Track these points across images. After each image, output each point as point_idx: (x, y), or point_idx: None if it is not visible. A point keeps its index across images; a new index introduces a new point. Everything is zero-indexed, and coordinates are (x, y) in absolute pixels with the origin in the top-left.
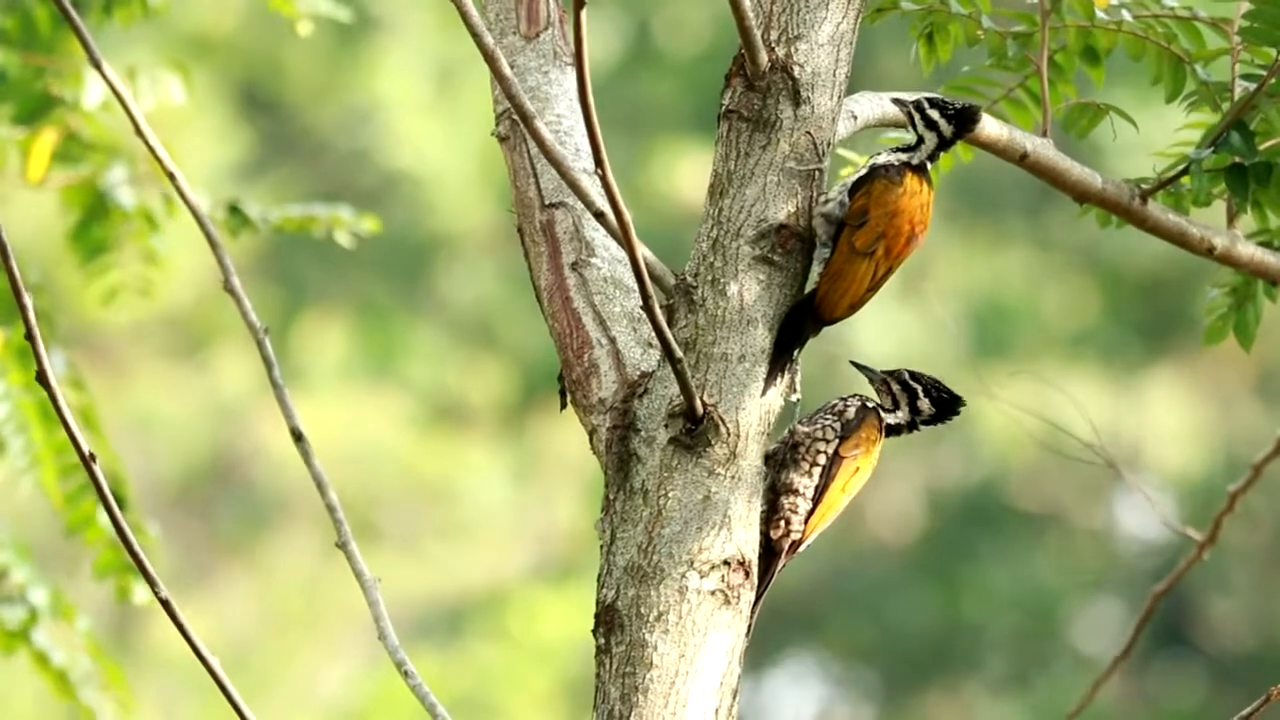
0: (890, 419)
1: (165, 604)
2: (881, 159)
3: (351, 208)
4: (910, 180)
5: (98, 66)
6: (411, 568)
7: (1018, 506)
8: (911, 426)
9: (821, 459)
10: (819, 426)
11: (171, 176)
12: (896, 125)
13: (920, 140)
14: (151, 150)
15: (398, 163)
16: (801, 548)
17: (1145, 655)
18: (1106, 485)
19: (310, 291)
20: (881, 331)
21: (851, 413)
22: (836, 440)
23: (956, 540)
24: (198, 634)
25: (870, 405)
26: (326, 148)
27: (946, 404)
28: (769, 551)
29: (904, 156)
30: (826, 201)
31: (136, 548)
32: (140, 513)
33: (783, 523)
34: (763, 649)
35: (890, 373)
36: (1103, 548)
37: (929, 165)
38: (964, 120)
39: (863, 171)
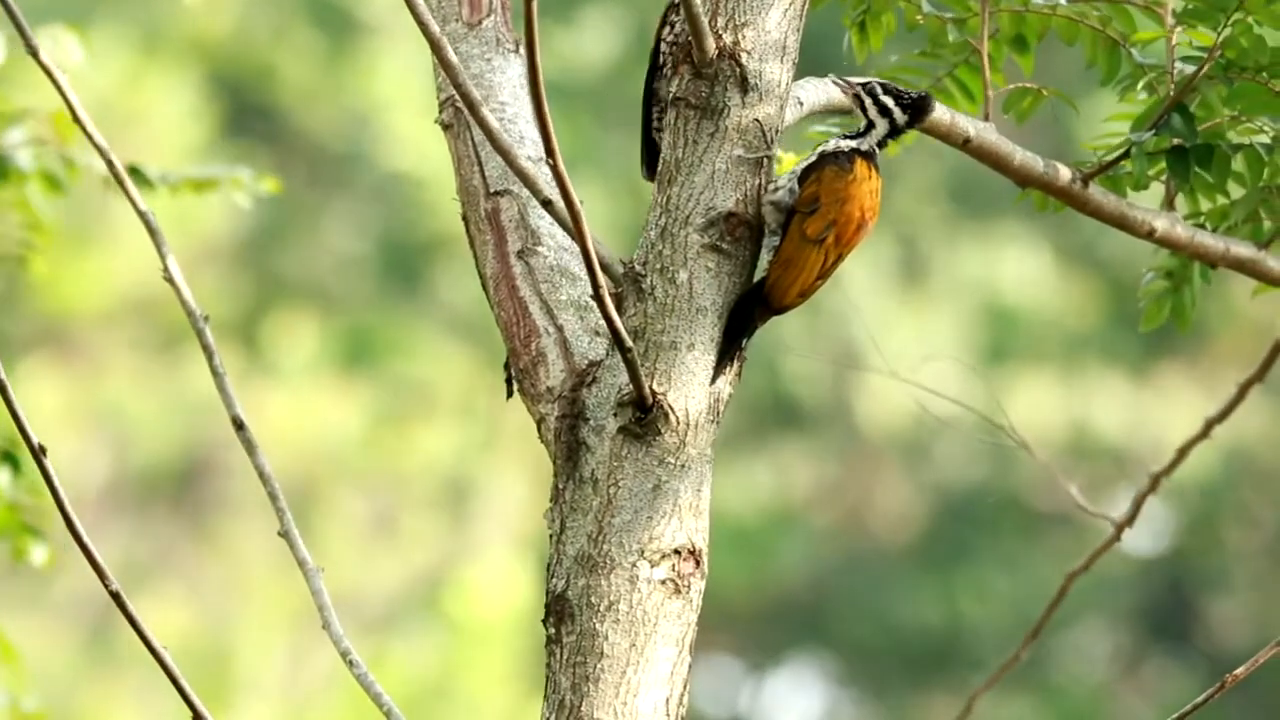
0: (865, 144)
1: (115, 596)
2: (830, 145)
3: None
4: (860, 167)
5: (34, 55)
6: (385, 555)
7: (1019, 506)
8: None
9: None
10: (776, 189)
11: (110, 164)
12: (843, 112)
13: (870, 125)
14: (85, 131)
15: (395, 163)
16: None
17: (1145, 654)
18: (1108, 485)
19: (311, 291)
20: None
21: (811, 160)
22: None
23: (958, 540)
24: (172, 625)
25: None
26: (322, 150)
27: (918, 107)
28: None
29: (853, 143)
30: (776, 189)
31: (88, 542)
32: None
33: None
34: (765, 650)
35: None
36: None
37: (877, 151)
38: (919, 109)
39: (812, 158)
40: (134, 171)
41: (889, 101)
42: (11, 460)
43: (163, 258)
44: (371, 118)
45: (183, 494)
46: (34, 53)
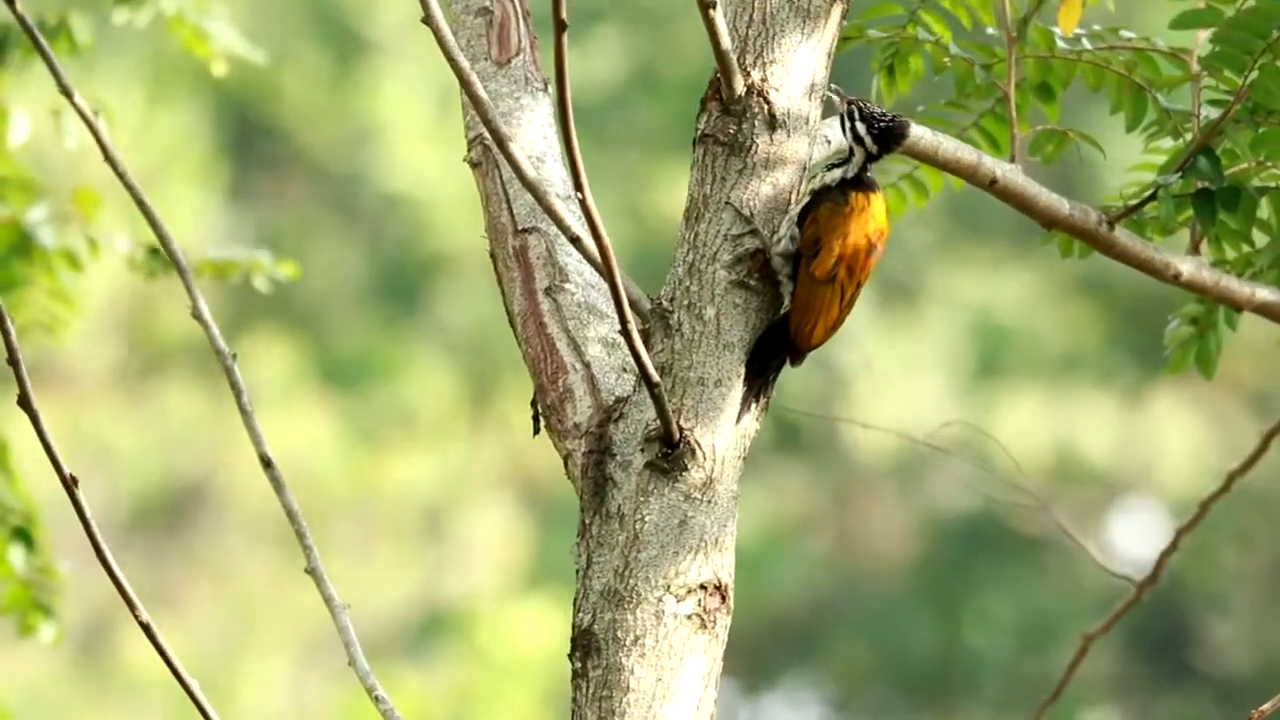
0: (851, 171)
1: (146, 628)
2: (819, 182)
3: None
4: (855, 198)
5: (68, 96)
6: (381, 582)
7: (1017, 531)
8: (871, 160)
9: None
10: (779, 238)
11: (140, 202)
12: None
13: (851, 153)
14: (120, 175)
15: (396, 184)
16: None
17: (1147, 679)
18: (1105, 511)
19: (305, 312)
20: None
21: (805, 201)
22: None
23: (955, 564)
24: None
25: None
26: (323, 169)
27: (885, 137)
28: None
29: (839, 172)
30: (779, 240)
31: (116, 570)
32: (50, 554)
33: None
34: (761, 672)
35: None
36: (1100, 574)
37: (869, 172)
38: (888, 139)
39: (806, 200)
40: (154, 252)
41: (861, 129)
42: (24, 537)
43: (193, 296)
44: (374, 138)
45: (171, 524)
46: (67, 93)
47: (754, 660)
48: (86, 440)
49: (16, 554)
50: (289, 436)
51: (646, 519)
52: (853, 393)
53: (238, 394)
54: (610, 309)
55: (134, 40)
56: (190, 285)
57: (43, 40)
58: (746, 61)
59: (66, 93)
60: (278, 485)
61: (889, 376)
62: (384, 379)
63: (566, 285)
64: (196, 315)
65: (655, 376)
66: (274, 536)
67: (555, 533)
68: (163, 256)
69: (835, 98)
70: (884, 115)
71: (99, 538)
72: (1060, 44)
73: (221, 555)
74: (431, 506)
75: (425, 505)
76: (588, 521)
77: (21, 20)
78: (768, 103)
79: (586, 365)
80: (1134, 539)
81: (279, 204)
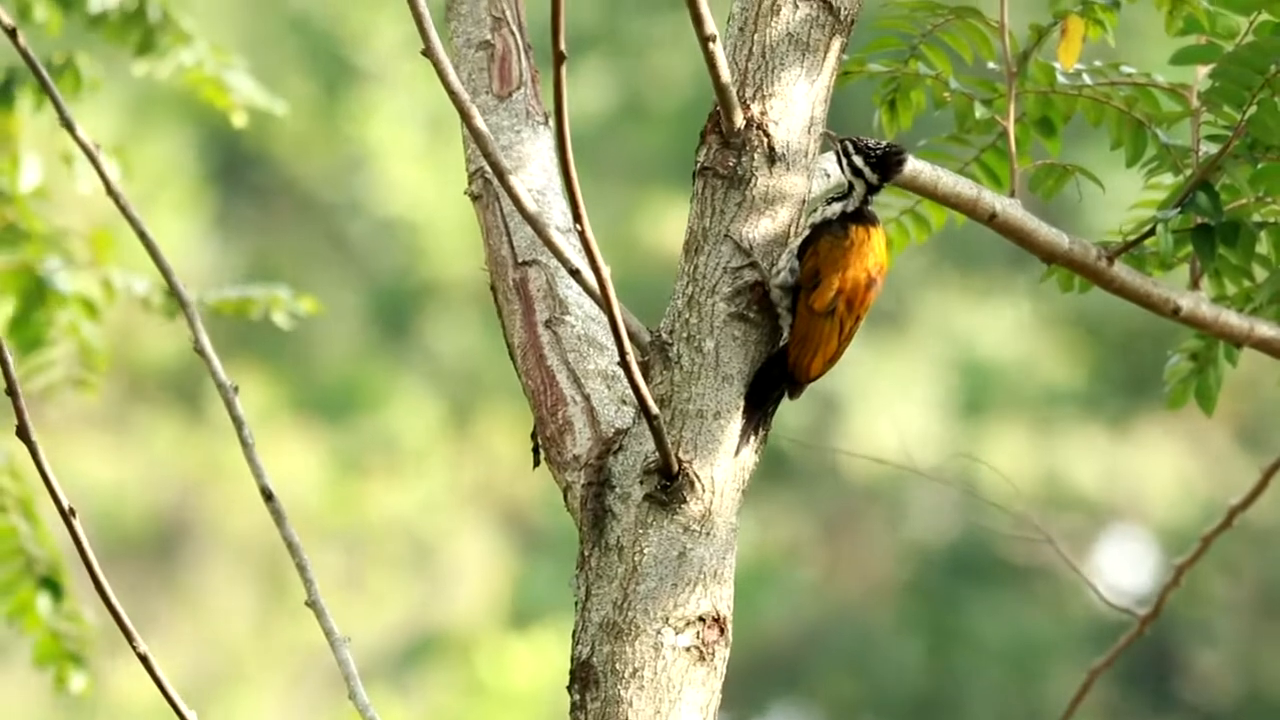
0: (851, 205)
1: (144, 659)
2: (819, 216)
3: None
4: (855, 231)
5: (70, 129)
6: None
7: (1005, 559)
8: (871, 192)
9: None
10: (778, 271)
11: (142, 235)
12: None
13: (851, 187)
14: (122, 208)
15: (388, 211)
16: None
17: (1133, 707)
18: (1092, 537)
19: (294, 340)
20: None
21: (805, 234)
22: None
23: (943, 592)
24: (149, 687)
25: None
26: (312, 198)
27: (885, 163)
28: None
29: (840, 206)
30: (778, 272)
31: (114, 601)
32: (77, 600)
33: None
34: (748, 702)
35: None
36: (1087, 600)
37: (869, 206)
38: (887, 166)
39: (806, 233)
40: (168, 292)
41: (859, 161)
42: (52, 586)
43: (195, 330)
44: (364, 166)
45: (152, 556)
46: (69, 125)
47: (743, 690)
48: (61, 470)
49: (44, 603)
50: (271, 467)
51: (645, 551)
52: (841, 421)
53: (239, 426)
54: (610, 341)
55: (120, 66)
56: (193, 319)
57: (42, 69)
58: (746, 95)
59: (68, 125)
60: (278, 518)
61: (877, 405)
62: (370, 408)
63: (566, 318)
64: (199, 349)
65: (654, 408)
66: (257, 567)
67: (540, 562)
68: (175, 298)
69: (828, 138)
70: (879, 144)
71: (97, 568)
72: (1060, 79)
73: (204, 587)
74: (417, 536)
75: (410, 535)
76: (587, 554)
77: (23, 52)
78: (767, 136)
79: (586, 397)
80: (1121, 568)
81: (267, 232)
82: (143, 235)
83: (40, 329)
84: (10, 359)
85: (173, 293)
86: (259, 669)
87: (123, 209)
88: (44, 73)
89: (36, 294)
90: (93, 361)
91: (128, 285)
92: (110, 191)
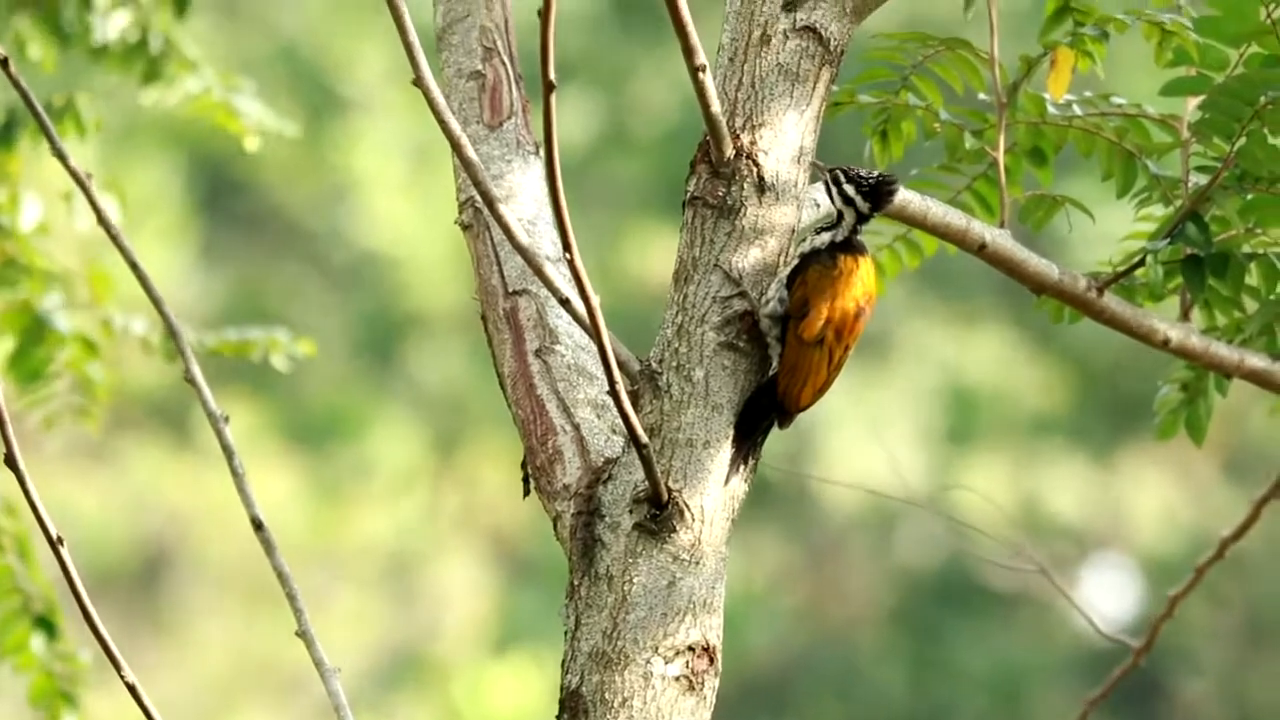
0: (840, 235)
1: (131, 689)
2: (808, 245)
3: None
4: (844, 261)
5: (62, 159)
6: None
7: (988, 586)
8: (861, 221)
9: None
10: (767, 300)
11: (134, 266)
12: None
13: (840, 216)
14: (113, 237)
15: (372, 240)
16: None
17: None
18: (1076, 565)
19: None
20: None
21: (794, 264)
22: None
23: (927, 619)
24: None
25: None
26: (297, 227)
27: (878, 192)
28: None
29: (829, 235)
30: (767, 302)
31: (103, 630)
32: (70, 641)
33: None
34: None
35: (830, 171)
36: (1072, 628)
37: (858, 235)
38: (879, 195)
39: (795, 263)
40: (168, 338)
41: (850, 190)
42: (46, 625)
43: (186, 361)
44: (349, 195)
45: (138, 585)
46: (61, 156)
47: (726, 717)
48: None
49: (38, 642)
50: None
51: (635, 580)
52: (825, 448)
53: (229, 456)
54: (600, 370)
55: (108, 95)
56: (184, 348)
57: (34, 99)
58: (736, 125)
59: (60, 155)
60: (269, 547)
61: (861, 432)
62: (355, 436)
63: (556, 347)
64: (189, 379)
65: (644, 438)
66: (243, 595)
67: (524, 590)
68: (173, 343)
69: (816, 168)
70: (871, 174)
71: (85, 597)
72: (1051, 110)
73: (190, 615)
74: (401, 564)
75: (395, 562)
76: (576, 583)
77: (15, 82)
78: (757, 166)
79: (576, 427)
80: (1105, 596)
81: (253, 260)
82: (134, 266)
83: (40, 364)
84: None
85: (164, 322)
86: (245, 698)
87: (114, 239)
88: (35, 103)
89: (36, 332)
90: (93, 392)
91: (126, 325)
92: (102, 221)
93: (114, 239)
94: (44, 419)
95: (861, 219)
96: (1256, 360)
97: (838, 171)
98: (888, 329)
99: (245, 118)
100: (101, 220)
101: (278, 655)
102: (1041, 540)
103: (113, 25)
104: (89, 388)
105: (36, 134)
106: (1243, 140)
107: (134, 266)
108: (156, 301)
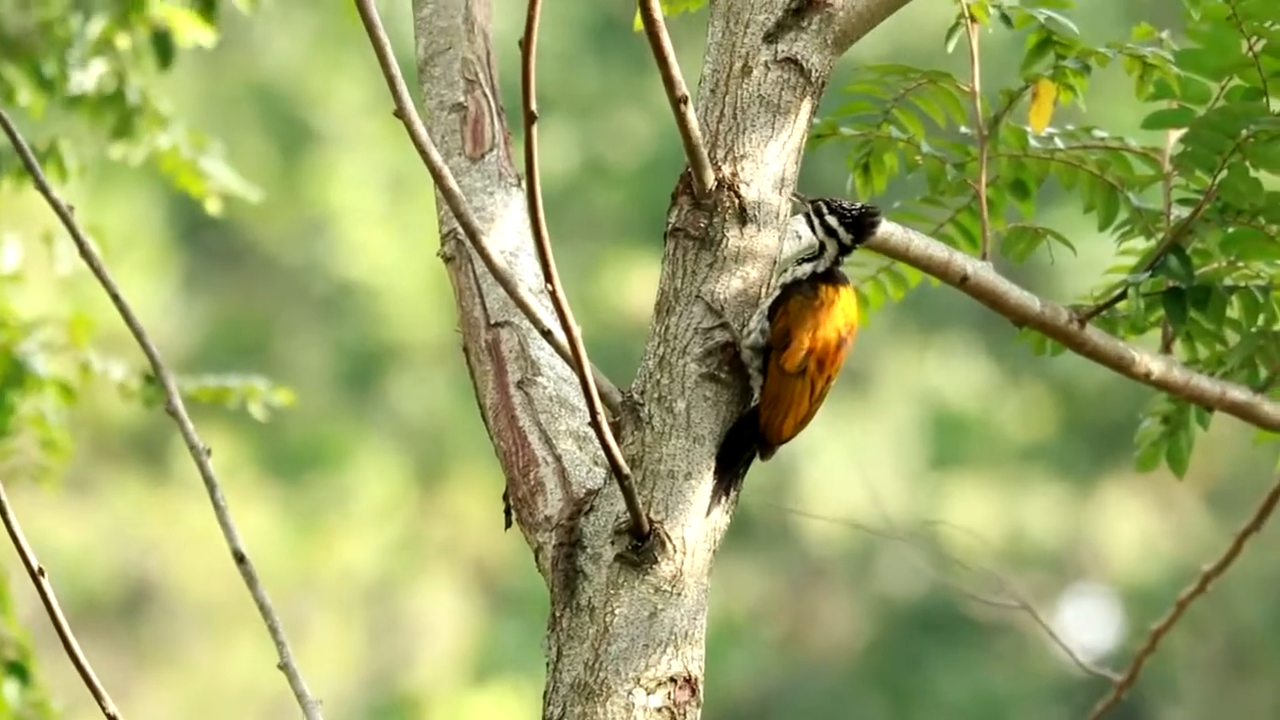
0: (822, 265)
1: None
2: (789, 276)
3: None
4: (825, 291)
5: (45, 192)
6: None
7: (968, 617)
8: (844, 253)
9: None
10: (749, 332)
11: (116, 299)
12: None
13: (823, 247)
14: (96, 269)
15: (350, 272)
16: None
17: None
18: (1056, 594)
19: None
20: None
21: (776, 295)
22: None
23: (907, 650)
24: None
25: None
26: (274, 260)
27: (860, 223)
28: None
29: (810, 266)
30: (749, 333)
31: (84, 662)
32: (44, 689)
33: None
34: None
35: (812, 202)
36: (1053, 658)
37: (840, 266)
38: (861, 227)
39: (776, 294)
40: (149, 379)
41: (833, 221)
42: (20, 671)
43: (168, 393)
44: (325, 228)
45: (117, 617)
46: (44, 189)
47: None
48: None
49: (11, 689)
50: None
51: (616, 612)
52: (806, 480)
53: (211, 489)
54: (582, 402)
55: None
56: (166, 380)
57: (15, 129)
58: (717, 156)
59: (43, 188)
60: (250, 580)
61: (842, 463)
62: (334, 467)
63: (538, 379)
64: (171, 411)
65: (625, 469)
66: (222, 627)
67: (505, 621)
68: (159, 383)
69: (796, 200)
70: (853, 205)
71: (66, 628)
72: (1033, 142)
73: (169, 646)
74: (381, 595)
75: (375, 593)
76: (558, 614)
77: (5, 125)
78: (738, 197)
79: (558, 458)
80: (1083, 626)
81: (232, 293)
82: (116, 299)
83: (7, 417)
84: None
85: (147, 354)
86: None
87: (97, 271)
88: (21, 140)
89: (14, 377)
90: (55, 452)
91: (105, 369)
92: (84, 253)
93: (96, 271)
94: (8, 473)
95: (844, 250)
96: (1238, 393)
97: (820, 203)
98: (869, 361)
99: (210, 179)
100: (84, 252)
101: (258, 685)
102: (1022, 570)
103: (90, 75)
104: (51, 448)
105: (17, 177)
106: (1224, 173)
107: (116, 299)
108: (138, 334)
